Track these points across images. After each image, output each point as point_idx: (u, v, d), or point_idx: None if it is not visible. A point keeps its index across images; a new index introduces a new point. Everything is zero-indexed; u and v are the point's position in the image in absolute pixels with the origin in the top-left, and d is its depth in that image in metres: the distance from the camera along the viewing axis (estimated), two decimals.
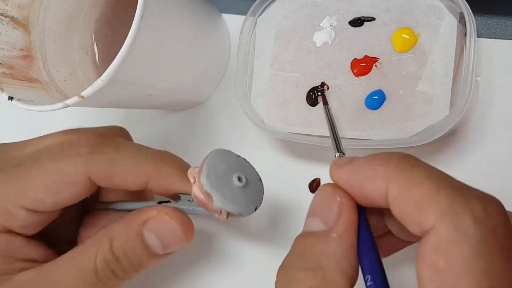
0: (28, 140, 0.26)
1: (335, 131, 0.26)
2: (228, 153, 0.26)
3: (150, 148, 0.25)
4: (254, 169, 0.27)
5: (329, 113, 0.28)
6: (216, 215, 0.25)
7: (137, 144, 0.25)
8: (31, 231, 0.24)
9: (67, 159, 0.23)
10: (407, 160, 0.18)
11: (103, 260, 0.23)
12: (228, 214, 0.24)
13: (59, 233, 0.26)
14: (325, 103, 0.28)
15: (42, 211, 0.23)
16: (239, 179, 0.25)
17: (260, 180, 0.27)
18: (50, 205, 0.23)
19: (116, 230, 0.24)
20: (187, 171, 0.25)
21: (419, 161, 0.19)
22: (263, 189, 0.27)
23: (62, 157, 0.23)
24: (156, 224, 0.24)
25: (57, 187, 0.23)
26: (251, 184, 0.26)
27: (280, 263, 0.22)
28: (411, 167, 0.18)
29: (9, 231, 0.23)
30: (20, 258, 0.23)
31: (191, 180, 0.25)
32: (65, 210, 0.25)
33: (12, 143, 0.26)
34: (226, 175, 0.25)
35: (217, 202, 0.24)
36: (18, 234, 0.24)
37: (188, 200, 0.26)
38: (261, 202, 0.26)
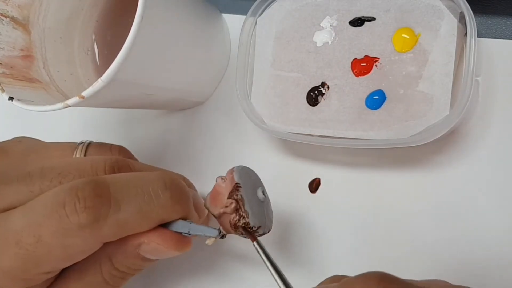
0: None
1: (276, 269, 0.22)
2: (247, 169, 0.26)
3: (154, 185, 0.23)
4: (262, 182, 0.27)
5: (263, 249, 0.24)
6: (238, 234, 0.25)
7: (142, 190, 0.23)
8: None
9: (77, 238, 0.22)
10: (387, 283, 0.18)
11: (109, 274, 0.24)
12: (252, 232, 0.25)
13: None
14: (253, 239, 0.24)
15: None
16: (263, 192, 0.26)
17: (267, 194, 0.27)
18: (64, 265, 0.24)
19: (113, 251, 0.24)
20: (189, 205, 0.25)
21: (398, 282, 0.18)
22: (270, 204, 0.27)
23: (71, 235, 0.22)
24: (149, 247, 0.24)
25: (73, 259, 0.23)
26: (267, 199, 0.27)
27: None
28: None
29: None
30: None
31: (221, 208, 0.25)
32: None
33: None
34: (253, 191, 0.26)
35: (253, 220, 0.24)
36: None
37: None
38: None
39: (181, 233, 0.24)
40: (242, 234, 0.25)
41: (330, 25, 0.29)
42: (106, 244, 0.24)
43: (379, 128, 0.27)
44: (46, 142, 0.29)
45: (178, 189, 0.24)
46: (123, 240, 0.24)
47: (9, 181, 0.23)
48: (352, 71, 0.28)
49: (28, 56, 0.30)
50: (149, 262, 0.25)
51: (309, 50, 0.30)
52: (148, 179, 0.23)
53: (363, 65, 0.28)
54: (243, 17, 0.31)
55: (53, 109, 0.25)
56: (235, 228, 0.25)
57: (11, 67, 0.29)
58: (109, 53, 0.34)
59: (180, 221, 0.25)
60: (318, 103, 0.29)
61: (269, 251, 0.23)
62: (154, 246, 0.24)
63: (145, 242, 0.24)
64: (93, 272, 0.24)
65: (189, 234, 0.24)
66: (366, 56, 0.28)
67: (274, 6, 0.31)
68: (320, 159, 0.32)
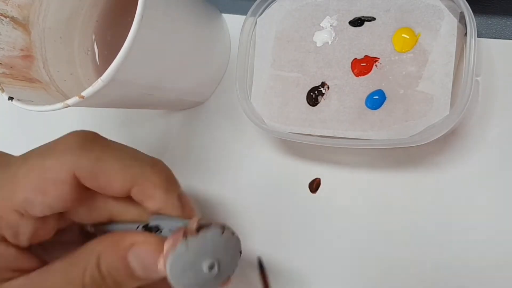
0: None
1: None
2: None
3: (142, 153, 0.24)
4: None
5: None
6: None
7: (130, 148, 0.24)
8: (25, 242, 0.23)
9: (53, 155, 0.22)
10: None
11: (90, 277, 0.23)
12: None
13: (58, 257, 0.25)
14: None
15: (34, 216, 0.23)
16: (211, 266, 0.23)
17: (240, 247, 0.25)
18: (40, 206, 0.22)
19: (104, 246, 0.23)
20: (174, 187, 0.24)
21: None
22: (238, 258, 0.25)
23: (48, 154, 0.23)
24: (141, 251, 0.23)
25: (44, 184, 0.22)
26: (221, 267, 0.23)
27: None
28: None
29: (2, 240, 0.23)
30: (11, 269, 0.23)
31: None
32: (62, 234, 0.25)
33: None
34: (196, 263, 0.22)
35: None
36: (12, 244, 0.23)
37: (170, 230, 0.24)
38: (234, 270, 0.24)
39: (151, 229, 0.24)
40: None
41: (330, 25, 0.29)
42: (98, 241, 0.23)
43: (379, 128, 0.27)
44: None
45: (163, 166, 0.25)
46: (115, 239, 0.23)
47: None
48: (352, 71, 0.28)
49: (28, 56, 0.30)
50: (132, 281, 0.24)
51: (309, 50, 0.30)
52: (139, 153, 0.25)
53: (363, 65, 0.28)
54: (243, 17, 0.31)
55: (53, 109, 0.25)
56: None
57: (11, 67, 0.29)
58: (109, 53, 0.34)
59: (154, 215, 0.24)
60: (318, 103, 0.29)
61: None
62: (142, 252, 0.23)
63: (136, 242, 0.23)
64: (77, 270, 0.23)
65: (160, 230, 0.24)
66: (366, 56, 0.28)
67: (274, 6, 0.31)
68: (320, 159, 0.32)
